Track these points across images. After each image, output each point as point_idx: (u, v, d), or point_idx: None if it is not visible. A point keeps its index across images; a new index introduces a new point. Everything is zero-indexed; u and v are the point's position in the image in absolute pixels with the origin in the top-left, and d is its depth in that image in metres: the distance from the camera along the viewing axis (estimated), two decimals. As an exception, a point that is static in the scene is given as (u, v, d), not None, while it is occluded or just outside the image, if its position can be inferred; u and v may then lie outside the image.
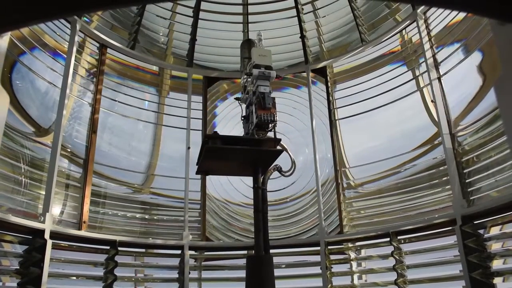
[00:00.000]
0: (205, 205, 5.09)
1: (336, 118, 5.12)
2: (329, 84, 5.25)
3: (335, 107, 5.15)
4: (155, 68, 5.43)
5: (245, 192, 5.11)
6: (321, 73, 5.35)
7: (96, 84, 4.63)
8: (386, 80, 4.75)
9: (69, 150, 4.23)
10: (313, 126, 5.09)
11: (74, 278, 3.93)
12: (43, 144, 3.91)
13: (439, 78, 4.09)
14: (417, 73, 4.48)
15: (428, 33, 4.30)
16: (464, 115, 3.85)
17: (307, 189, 5.10)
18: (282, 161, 3.54)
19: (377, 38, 4.91)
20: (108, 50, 4.82)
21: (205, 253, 4.90)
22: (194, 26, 5.43)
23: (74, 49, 4.24)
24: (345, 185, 4.86)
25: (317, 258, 4.57)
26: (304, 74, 5.44)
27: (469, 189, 3.66)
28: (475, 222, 3.49)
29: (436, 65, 4.16)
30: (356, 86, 5.06)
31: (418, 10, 4.35)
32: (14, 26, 0.60)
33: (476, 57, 3.72)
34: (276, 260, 4.39)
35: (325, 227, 4.66)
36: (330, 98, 5.19)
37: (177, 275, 4.52)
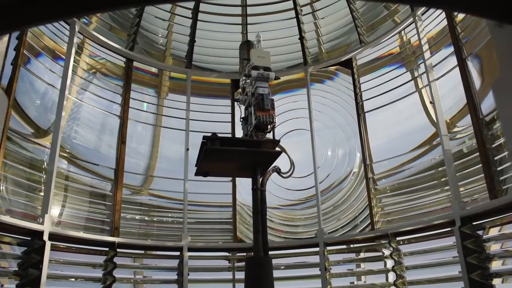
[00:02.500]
0: (236, 208, 5.10)
1: (364, 111, 4.95)
2: (355, 76, 5.10)
3: (362, 100, 4.99)
4: (154, 69, 5.42)
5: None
6: (347, 65, 5.20)
7: (124, 96, 4.84)
8: (393, 77, 4.72)
9: (67, 152, 4.23)
10: (312, 126, 5.09)
11: (73, 279, 3.93)
12: (42, 146, 3.90)
13: (464, 60, 3.81)
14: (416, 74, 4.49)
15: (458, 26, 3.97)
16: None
17: (340, 180, 5.07)
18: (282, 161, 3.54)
19: (376, 39, 4.92)
20: (107, 52, 4.83)
21: (237, 254, 4.88)
22: (193, 27, 5.43)
23: (73, 50, 4.24)
24: (375, 178, 4.69)
25: (316, 259, 4.57)
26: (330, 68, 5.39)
27: (501, 178, 3.36)
28: (474, 223, 3.48)
29: (462, 47, 3.87)
30: (366, 83, 5.02)
31: (418, 12, 4.36)
32: (16, 27, 0.60)
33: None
34: (275, 261, 4.39)
35: (324, 228, 4.66)
36: (357, 90, 5.02)
37: (176, 277, 4.51)
